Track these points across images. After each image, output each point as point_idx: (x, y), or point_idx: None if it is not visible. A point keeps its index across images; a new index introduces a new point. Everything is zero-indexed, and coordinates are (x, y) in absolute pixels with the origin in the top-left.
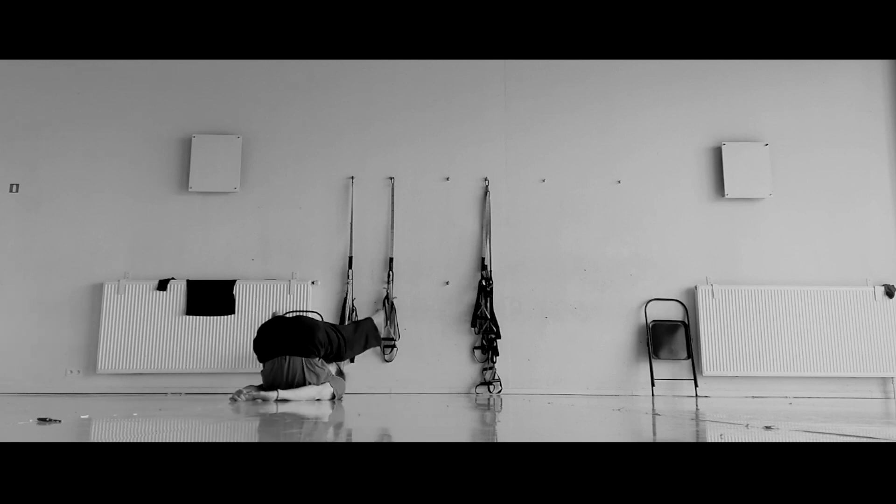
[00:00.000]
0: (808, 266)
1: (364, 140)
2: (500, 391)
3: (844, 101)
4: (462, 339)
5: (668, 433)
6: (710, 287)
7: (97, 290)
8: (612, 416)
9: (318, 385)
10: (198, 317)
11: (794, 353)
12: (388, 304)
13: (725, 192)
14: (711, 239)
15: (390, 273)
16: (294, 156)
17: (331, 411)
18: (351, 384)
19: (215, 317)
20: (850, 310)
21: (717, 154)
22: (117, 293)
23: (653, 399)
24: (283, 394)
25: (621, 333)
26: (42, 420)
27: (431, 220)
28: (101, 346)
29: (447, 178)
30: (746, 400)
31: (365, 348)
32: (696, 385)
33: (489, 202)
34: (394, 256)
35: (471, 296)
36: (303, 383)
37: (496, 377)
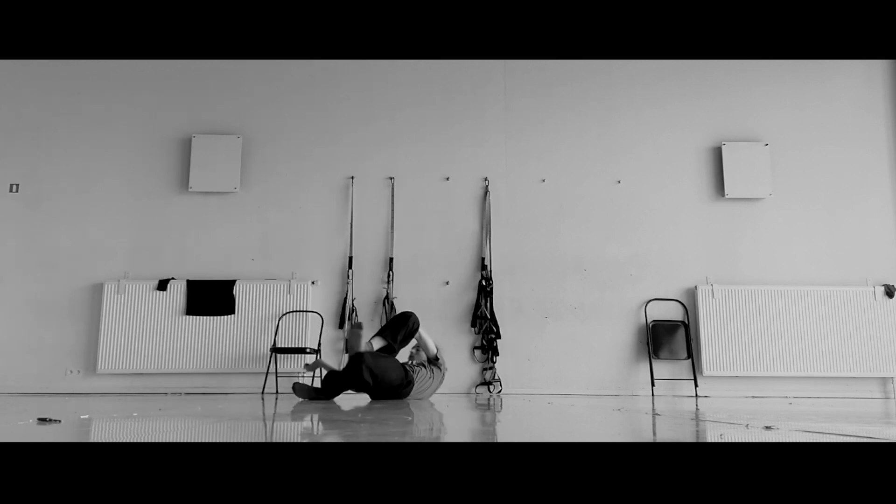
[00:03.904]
0: (808, 266)
1: (364, 140)
2: (500, 391)
3: (844, 101)
4: (462, 339)
5: (668, 433)
6: (710, 287)
7: (97, 290)
8: (612, 416)
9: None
10: (198, 317)
11: (794, 353)
12: (388, 304)
13: (725, 192)
14: (711, 239)
15: (390, 273)
16: (294, 156)
17: (332, 412)
18: None
19: (215, 317)
20: (850, 310)
21: (717, 154)
22: (117, 293)
23: (653, 399)
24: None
25: (621, 333)
26: (42, 420)
27: (431, 220)
28: (101, 346)
29: (447, 178)
30: (746, 400)
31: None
32: (696, 385)
33: (489, 202)
34: (394, 256)
35: (471, 296)
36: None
37: (496, 377)
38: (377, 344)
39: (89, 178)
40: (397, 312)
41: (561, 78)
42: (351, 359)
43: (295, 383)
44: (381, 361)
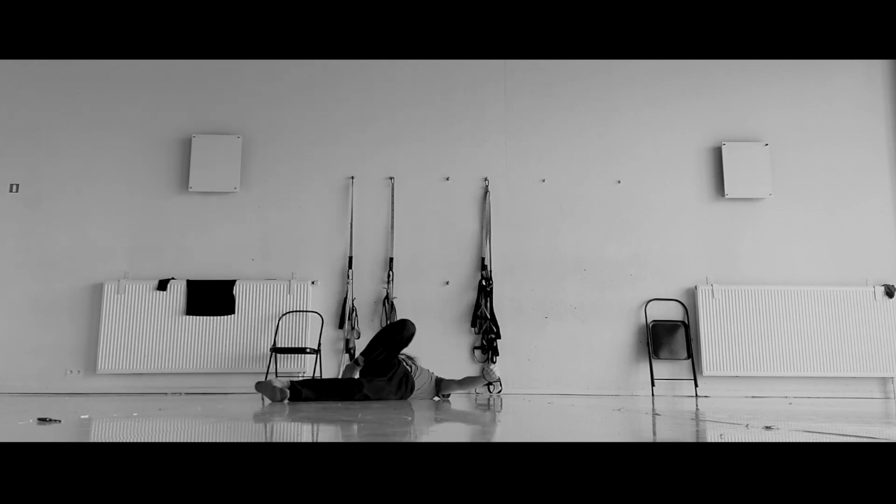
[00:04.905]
0: (808, 266)
1: (364, 140)
2: (500, 391)
3: (844, 101)
4: (462, 339)
5: (668, 433)
6: (710, 287)
7: (97, 290)
8: (612, 416)
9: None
10: (198, 317)
11: (794, 353)
12: (388, 304)
13: (725, 192)
14: (711, 239)
15: (390, 273)
16: (294, 156)
17: (332, 412)
18: None
19: (215, 317)
20: (850, 310)
21: (717, 154)
22: (117, 293)
23: (653, 399)
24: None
25: (621, 333)
26: (42, 420)
27: (431, 220)
28: (101, 346)
29: (447, 178)
30: (746, 400)
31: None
32: (696, 385)
33: (489, 202)
34: (394, 256)
35: (471, 296)
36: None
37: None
38: (361, 362)
39: (89, 178)
40: (397, 315)
41: (561, 78)
42: (349, 388)
43: (259, 382)
44: (378, 387)
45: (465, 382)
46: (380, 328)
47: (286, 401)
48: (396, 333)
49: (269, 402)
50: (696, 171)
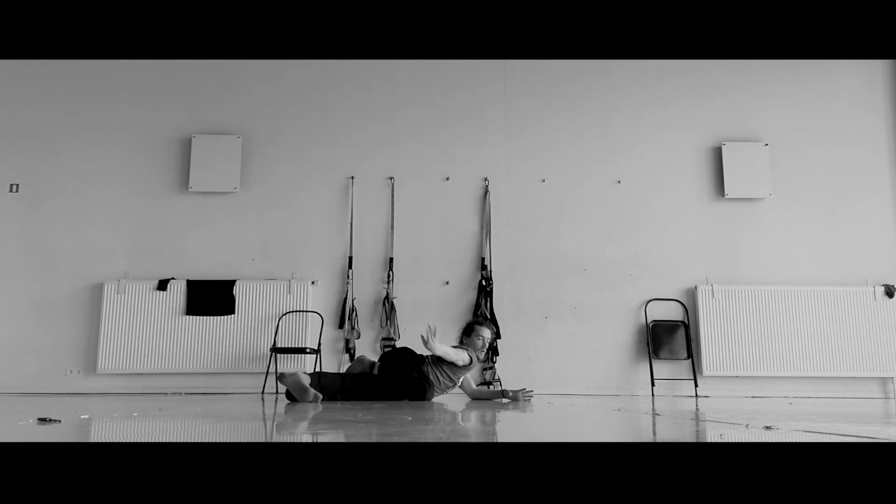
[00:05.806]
0: (808, 266)
1: (364, 140)
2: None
3: (844, 101)
4: None
5: (668, 433)
6: (710, 287)
7: (97, 290)
8: (612, 416)
9: None
10: (198, 317)
11: (794, 353)
12: (388, 304)
13: (725, 192)
14: (711, 239)
15: (390, 273)
16: (294, 156)
17: (332, 412)
18: None
19: (215, 317)
20: (850, 310)
21: (717, 154)
22: (117, 293)
23: (653, 399)
24: None
25: (621, 333)
26: (42, 420)
27: (431, 220)
28: (101, 346)
29: (447, 178)
30: (746, 400)
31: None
32: (696, 385)
33: (489, 202)
34: (394, 256)
35: (471, 296)
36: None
37: (496, 377)
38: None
39: (89, 178)
40: (397, 315)
41: (561, 78)
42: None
43: (282, 374)
44: (368, 389)
45: (493, 395)
46: (389, 342)
47: (319, 401)
48: (412, 394)
49: (299, 400)
50: (696, 171)
